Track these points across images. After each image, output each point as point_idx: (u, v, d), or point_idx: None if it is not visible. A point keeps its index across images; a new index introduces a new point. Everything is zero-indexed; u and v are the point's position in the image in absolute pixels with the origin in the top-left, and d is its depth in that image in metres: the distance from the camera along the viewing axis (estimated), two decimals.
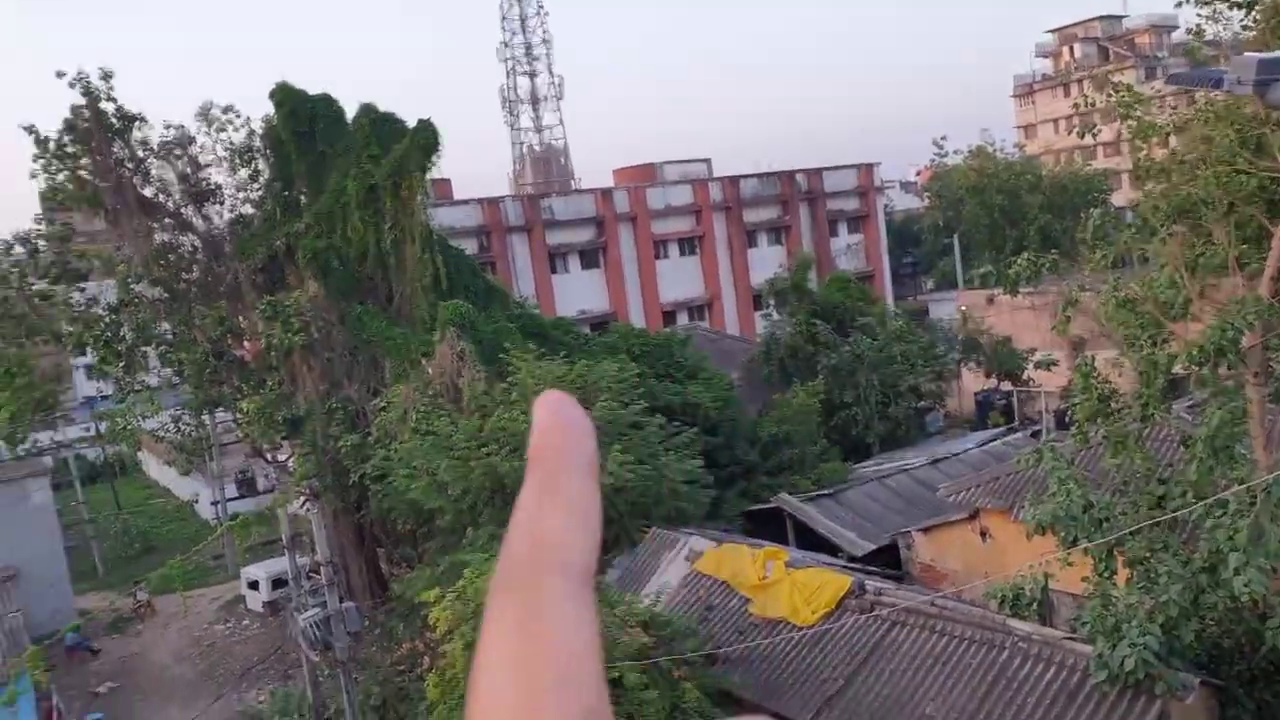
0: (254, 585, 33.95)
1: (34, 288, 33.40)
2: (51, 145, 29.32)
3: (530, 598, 0.59)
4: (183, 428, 35.63)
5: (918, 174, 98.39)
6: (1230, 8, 14.88)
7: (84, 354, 36.85)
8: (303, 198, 30.63)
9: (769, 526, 23.59)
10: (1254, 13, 14.92)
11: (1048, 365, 19.75)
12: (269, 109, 30.14)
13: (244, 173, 31.21)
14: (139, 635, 33.85)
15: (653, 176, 54.46)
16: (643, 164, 56.47)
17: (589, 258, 50.15)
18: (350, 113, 30.04)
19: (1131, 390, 13.85)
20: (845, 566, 18.62)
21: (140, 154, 30.34)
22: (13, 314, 33.78)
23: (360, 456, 25.87)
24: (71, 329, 32.80)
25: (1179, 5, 16.13)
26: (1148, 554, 12.29)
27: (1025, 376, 36.41)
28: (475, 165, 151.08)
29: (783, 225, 55.78)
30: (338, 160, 29.36)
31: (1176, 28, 66.93)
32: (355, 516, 29.30)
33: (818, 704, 14.50)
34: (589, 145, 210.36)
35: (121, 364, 32.21)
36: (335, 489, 28.64)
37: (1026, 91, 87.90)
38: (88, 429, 49.03)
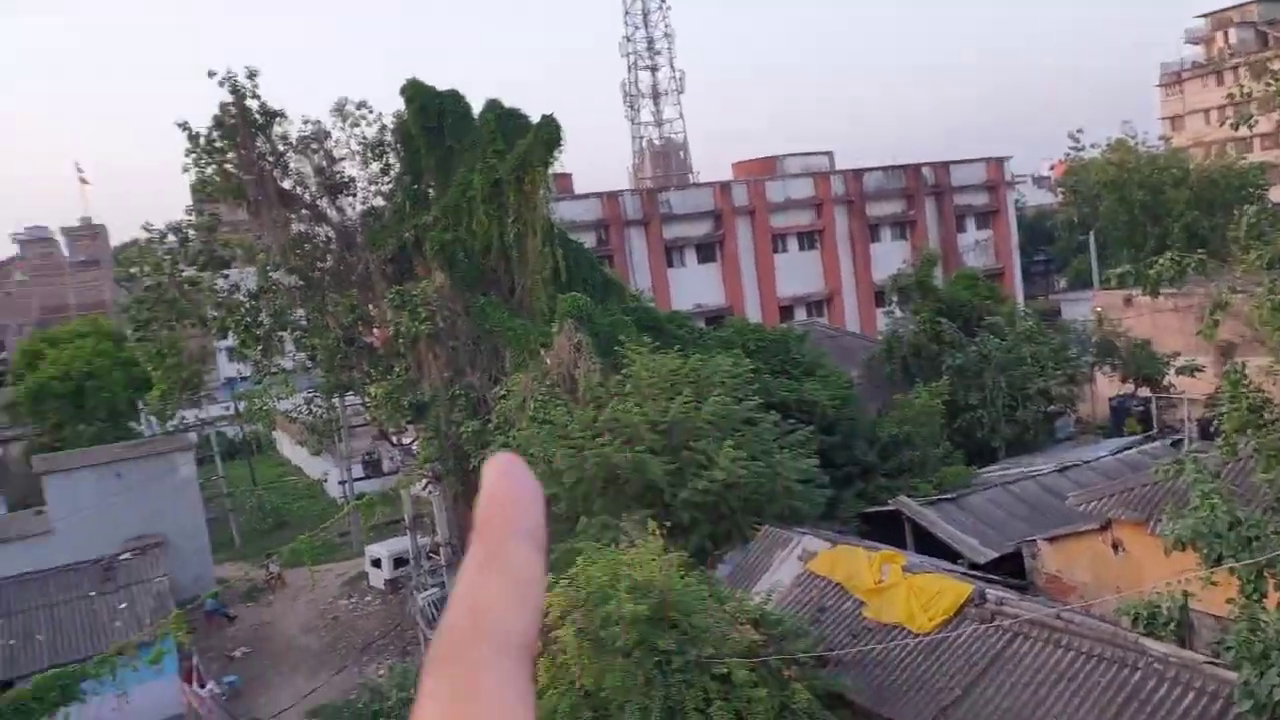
0: (376, 563, 35.33)
1: (184, 274, 35.63)
2: (201, 141, 31.13)
3: (466, 674, 0.58)
4: (314, 410, 37.40)
5: (1051, 168, 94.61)
6: None
7: (226, 337, 38.97)
8: (431, 191, 31.63)
9: (886, 529, 23.06)
10: None
11: (1191, 371, 18.67)
12: (400, 105, 31.25)
13: (375, 166, 32.49)
14: (270, 605, 35.69)
15: (773, 169, 53.82)
16: (763, 157, 55.92)
17: (705, 251, 49.97)
18: (477, 109, 30.85)
19: None
20: (965, 574, 18.06)
21: (280, 148, 31.91)
22: (165, 298, 36.16)
23: (480, 442, 26.54)
24: (216, 313, 34.80)
25: None
26: None
27: (1166, 382, 34.61)
28: (596, 160, 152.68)
29: (907, 220, 54.33)
30: (464, 155, 30.17)
31: None
32: (475, 500, 30.03)
33: (933, 712, 14.12)
34: (709, 139, 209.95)
35: (260, 347, 34.02)
36: (456, 473, 29.55)
37: (1174, 80, 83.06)
38: (228, 408, 52.09)
